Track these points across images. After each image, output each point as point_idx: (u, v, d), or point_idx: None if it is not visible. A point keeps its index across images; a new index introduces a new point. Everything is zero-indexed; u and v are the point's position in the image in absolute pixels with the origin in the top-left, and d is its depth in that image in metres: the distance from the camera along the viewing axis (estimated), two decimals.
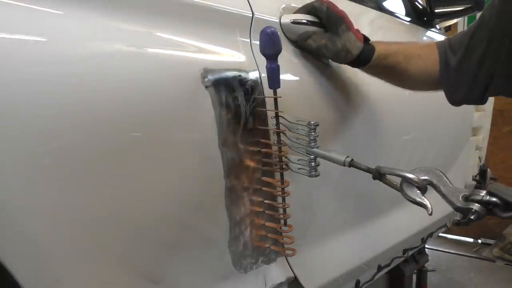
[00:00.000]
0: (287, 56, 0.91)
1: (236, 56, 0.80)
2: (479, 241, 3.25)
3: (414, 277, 2.02)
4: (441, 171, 0.73)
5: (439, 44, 1.05)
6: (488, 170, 2.17)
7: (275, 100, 0.77)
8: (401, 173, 0.72)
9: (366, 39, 0.97)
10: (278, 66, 0.75)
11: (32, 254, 0.53)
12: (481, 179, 2.09)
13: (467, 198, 0.70)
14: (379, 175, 0.74)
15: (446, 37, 1.15)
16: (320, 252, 1.02)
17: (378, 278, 1.34)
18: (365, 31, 0.97)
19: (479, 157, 2.08)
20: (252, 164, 0.79)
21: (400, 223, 1.39)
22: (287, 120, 0.79)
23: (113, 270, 0.63)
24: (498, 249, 2.97)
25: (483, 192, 0.69)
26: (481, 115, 1.99)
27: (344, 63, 0.97)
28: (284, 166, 0.81)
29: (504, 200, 0.67)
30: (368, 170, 0.78)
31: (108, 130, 0.59)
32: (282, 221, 0.83)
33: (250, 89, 0.78)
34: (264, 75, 0.80)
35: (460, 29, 3.33)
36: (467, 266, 2.87)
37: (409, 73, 1.02)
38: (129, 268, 0.65)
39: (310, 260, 0.97)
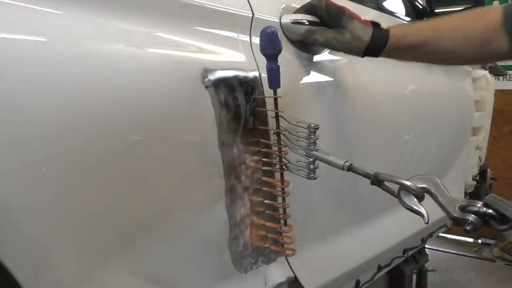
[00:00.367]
0: (287, 56, 0.91)
1: (236, 56, 0.80)
2: (479, 241, 3.25)
3: (414, 277, 2.02)
4: (438, 180, 0.73)
5: (498, 7, 0.96)
6: (488, 170, 2.17)
7: (275, 100, 0.77)
8: (399, 181, 0.73)
9: (376, 25, 0.93)
10: (278, 66, 0.75)
11: (32, 254, 0.53)
12: (481, 179, 2.09)
13: (463, 209, 0.70)
14: (377, 181, 0.75)
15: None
16: (320, 252, 1.02)
17: (378, 278, 1.34)
18: None
19: (479, 157, 2.08)
20: (252, 164, 0.79)
21: (400, 223, 1.39)
22: (287, 121, 0.79)
23: (113, 270, 0.63)
24: (498, 249, 2.97)
25: (480, 204, 0.69)
26: (481, 115, 1.99)
27: (360, 54, 0.93)
28: (284, 166, 0.81)
29: (500, 212, 0.67)
30: (366, 175, 0.78)
31: (107, 130, 0.59)
32: (282, 221, 0.83)
33: (250, 89, 0.78)
34: (264, 75, 0.80)
35: None
36: (467, 266, 2.87)
37: (443, 49, 0.95)
38: (129, 268, 0.65)
39: (310, 260, 0.97)
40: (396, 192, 0.75)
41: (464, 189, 1.93)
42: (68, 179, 0.55)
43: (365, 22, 0.91)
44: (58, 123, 0.54)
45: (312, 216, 0.99)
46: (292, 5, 0.96)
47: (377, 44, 0.91)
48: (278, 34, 0.74)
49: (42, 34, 0.55)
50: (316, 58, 0.99)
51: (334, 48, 0.93)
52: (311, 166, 0.80)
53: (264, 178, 0.81)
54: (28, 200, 0.52)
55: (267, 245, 0.84)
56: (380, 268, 1.32)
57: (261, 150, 0.80)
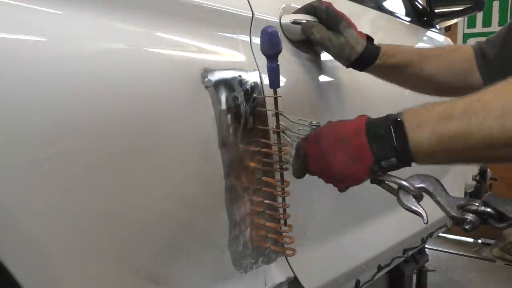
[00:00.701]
0: (287, 56, 0.91)
1: (236, 56, 0.80)
2: (479, 241, 3.25)
3: (414, 277, 2.02)
4: (437, 179, 0.73)
5: (468, 45, 1.00)
6: (488, 170, 2.17)
7: (275, 99, 0.77)
8: (397, 181, 0.72)
9: (369, 39, 0.96)
10: (278, 66, 0.75)
11: (32, 254, 0.53)
12: (481, 179, 2.09)
13: (462, 208, 0.70)
14: (377, 181, 0.75)
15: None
16: (320, 252, 1.02)
17: (378, 278, 1.34)
18: (365, 31, 0.97)
19: None
20: (252, 164, 0.79)
21: (400, 223, 1.39)
22: (288, 119, 0.79)
23: (113, 270, 0.63)
24: (498, 249, 2.97)
25: (478, 202, 0.68)
26: None
27: (348, 64, 0.94)
28: (284, 166, 0.81)
29: (498, 211, 0.67)
30: None
31: (107, 130, 0.59)
32: (282, 221, 0.83)
33: (250, 89, 0.78)
34: (264, 75, 0.80)
35: (460, 29, 3.33)
36: (467, 266, 2.87)
37: (426, 73, 0.98)
38: (129, 268, 0.65)
39: (310, 260, 0.97)
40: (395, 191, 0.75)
41: (464, 189, 1.93)
42: (68, 178, 0.55)
43: (361, 33, 0.92)
44: (58, 123, 0.54)
45: (312, 216, 0.99)
46: (292, 5, 0.96)
47: (368, 57, 0.93)
48: (278, 33, 0.74)
49: (42, 34, 0.55)
50: (316, 58, 0.99)
51: (326, 48, 0.94)
52: None
53: (264, 178, 0.81)
54: (28, 200, 0.52)
55: (267, 245, 0.84)
56: (380, 268, 1.32)
57: (261, 150, 0.80)
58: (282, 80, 0.86)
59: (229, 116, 0.74)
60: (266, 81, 0.80)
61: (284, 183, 0.81)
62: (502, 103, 0.57)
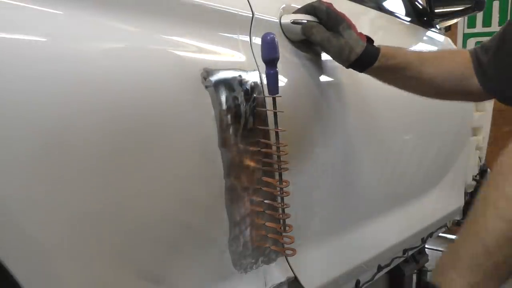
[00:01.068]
0: (287, 56, 0.91)
1: (236, 56, 0.80)
2: None
3: (414, 277, 2.02)
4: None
5: (465, 50, 1.01)
6: (488, 170, 2.17)
7: (274, 99, 0.77)
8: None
9: (369, 40, 0.96)
10: (276, 72, 0.76)
11: (32, 254, 0.53)
12: (481, 179, 2.08)
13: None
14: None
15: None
16: (320, 252, 1.02)
17: (378, 278, 1.34)
18: (365, 31, 0.97)
19: (479, 157, 2.08)
20: (252, 164, 0.79)
21: (400, 223, 1.39)
22: None
23: (113, 270, 0.63)
24: None
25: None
26: (481, 115, 1.99)
27: (347, 65, 0.94)
28: (283, 166, 0.81)
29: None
30: None
31: (107, 129, 0.59)
32: (281, 221, 0.83)
33: (250, 89, 0.78)
34: (264, 75, 0.80)
35: (460, 29, 3.33)
36: None
37: (425, 76, 0.98)
38: (129, 267, 0.65)
39: (310, 260, 0.97)
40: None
41: (464, 189, 1.93)
42: (68, 178, 0.55)
43: (361, 34, 0.93)
44: (58, 123, 0.54)
45: (312, 216, 0.99)
46: (292, 5, 0.96)
47: (368, 59, 0.93)
48: (276, 40, 0.74)
49: (42, 34, 0.55)
50: (316, 58, 0.99)
51: (325, 49, 0.94)
52: None
53: (264, 178, 0.81)
54: (29, 200, 0.52)
55: (267, 245, 0.84)
56: (380, 268, 1.32)
57: (261, 150, 0.80)
58: (283, 80, 0.86)
59: (229, 116, 0.74)
60: (266, 81, 0.80)
61: (284, 183, 0.81)
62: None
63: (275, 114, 0.78)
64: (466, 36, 3.32)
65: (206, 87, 0.71)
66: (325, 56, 1.01)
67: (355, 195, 1.17)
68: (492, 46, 0.97)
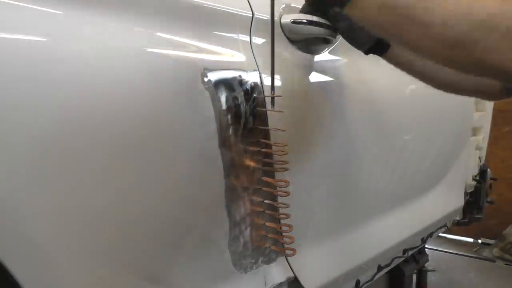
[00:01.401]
0: (288, 57, 0.91)
1: (236, 56, 0.80)
2: (479, 241, 3.25)
3: (414, 277, 2.02)
4: None
5: None
6: (488, 170, 2.17)
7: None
8: None
9: None
10: None
11: (32, 254, 0.53)
12: (481, 179, 2.08)
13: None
14: None
15: None
16: (320, 252, 1.02)
17: (378, 278, 1.34)
18: None
19: (479, 157, 2.08)
20: (252, 164, 0.79)
21: (400, 223, 1.39)
22: None
23: (113, 270, 0.63)
24: (498, 249, 2.97)
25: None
26: (481, 115, 1.99)
27: (366, 49, 0.89)
28: (283, 166, 0.81)
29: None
30: None
31: (107, 129, 0.59)
32: (281, 221, 0.83)
33: (250, 89, 0.78)
34: (264, 75, 0.80)
35: None
36: (467, 266, 2.87)
37: (447, 70, 0.89)
38: (129, 267, 0.65)
39: (310, 260, 0.97)
40: None
41: (464, 189, 1.93)
42: (68, 179, 0.55)
43: None
44: (58, 123, 0.54)
45: (312, 216, 0.99)
46: (292, 5, 0.96)
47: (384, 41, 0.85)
48: None
49: (42, 34, 0.55)
50: (316, 58, 0.99)
51: (348, 38, 0.90)
52: None
53: (264, 178, 0.81)
54: (29, 200, 0.52)
55: (267, 245, 0.84)
56: (380, 268, 1.32)
57: (261, 150, 0.80)
58: (282, 80, 0.86)
59: (229, 116, 0.74)
60: (266, 81, 0.81)
61: (284, 183, 0.81)
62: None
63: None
64: None
65: (206, 87, 0.71)
66: (325, 56, 1.01)
67: (355, 195, 1.17)
68: None
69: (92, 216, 0.59)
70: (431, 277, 2.26)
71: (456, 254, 3.05)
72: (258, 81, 0.80)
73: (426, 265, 2.06)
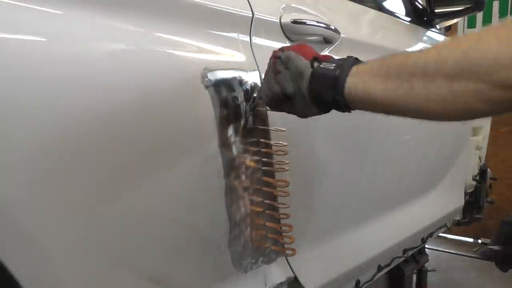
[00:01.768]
0: None
1: (236, 56, 0.80)
2: (479, 241, 3.25)
3: (414, 277, 2.02)
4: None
5: None
6: (488, 170, 2.17)
7: None
8: None
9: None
10: None
11: (32, 254, 0.53)
12: (481, 179, 2.08)
13: None
14: None
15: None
16: (320, 252, 1.02)
17: (378, 278, 1.34)
18: (365, 31, 0.97)
19: (479, 157, 2.08)
20: (252, 164, 0.79)
21: (400, 223, 1.39)
22: None
23: (113, 270, 0.63)
24: None
25: None
26: None
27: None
28: (284, 166, 0.81)
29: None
30: None
31: (107, 129, 0.59)
32: (281, 221, 0.83)
33: (250, 89, 0.78)
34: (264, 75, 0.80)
35: (460, 29, 3.33)
36: (467, 266, 2.87)
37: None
38: (129, 267, 0.65)
39: (310, 260, 0.97)
40: None
41: (464, 189, 1.93)
42: (68, 178, 0.55)
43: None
44: (58, 123, 0.54)
45: (312, 216, 0.99)
46: (292, 5, 0.96)
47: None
48: None
49: (42, 34, 0.55)
50: None
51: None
52: None
53: (264, 178, 0.81)
54: (29, 201, 0.52)
55: (267, 245, 0.84)
56: (380, 268, 1.32)
57: (261, 150, 0.80)
58: None
59: (229, 116, 0.74)
60: None
61: (284, 183, 0.81)
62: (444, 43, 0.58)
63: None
64: None
65: (206, 87, 0.71)
66: None
67: (355, 195, 1.17)
68: None
69: (92, 216, 0.58)
70: (431, 277, 2.26)
71: (456, 254, 3.05)
72: (258, 81, 0.80)
73: (426, 265, 2.06)
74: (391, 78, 0.60)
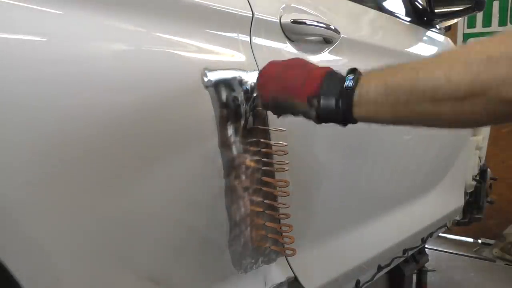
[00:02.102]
0: (287, 56, 0.91)
1: (236, 56, 0.80)
2: (479, 241, 3.25)
3: (414, 277, 2.02)
4: None
5: None
6: (488, 170, 2.17)
7: None
8: None
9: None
10: None
11: (32, 254, 0.53)
12: (481, 179, 2.08)
13: None
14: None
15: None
16: (320, 252, 1.02)
17: (378, 278, 1.34)
18: (365, 31, 0.97)
19: (479, 157, 2.08)
20: (252, 164, 0.79)
21: (400, 223, 1.39)
22: None
23: (113, 270, 0.63)
24: (498, 249, 2.97)
25: None
26: None
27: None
28: (284, 166, 0.81)
29: None
30: None
31: (107, 129, 0.59)
32: (281, 221, 0.83)
33: (250, 89, 0.78)
34: None
35: (460, 29, 3.33)
36: (467, 266, 2.87)
37: None
38: (129, 268, 0.65)
39: (310, 260, 0.97)
40: None
41: (464, 189, 1.93)
42: (68, 179, 0.55)
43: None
44: (58, 123, 0.54)
45: (312, 216, 0.99)
46: (292, 5, 0.96)
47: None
48: None
49: (42, 34, 0.55)
50: (316, 58, 0.99)
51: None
52: None
53: (264, 178, 0.81)
54: (29, 201, 0.52)
55: (267, 245, 0.84)
56: (380, 268, 1.32)
57: (261, 150, 0.80)
58: None
59: (229, 116, 0.74)
60: None
61: (284, 183, 0.81)
62: (450, 58, 0.58)
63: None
64: (466, 36, 3.32)
65: (206, 87, 0.71)
66: (326, 56, 1.01)
67: (355, 195, 1.17)
68: None
69: (92, 216, 0.58)
70: (431, 277, 2.26)
71: (456, 254, 3.05)
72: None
73: (426, 265, 2.06)
74: (400, 105, 0.60)
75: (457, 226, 2.10)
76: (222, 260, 0.77)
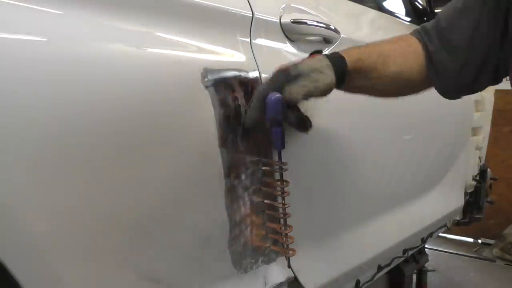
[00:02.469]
0: (288, 56, 0.91)
1: (236, 56, 0.80)
2: (479, 241, 3.25)
3: (414, 277, 2.02)
4: None
5: (415, 32, 0.89)
6: (488, 170, 2.17)
7: None
8: None
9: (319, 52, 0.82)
10: (281, 130, 0.75)
11: (32, 254, 0.53)
12: (481, 179, 2.09)
13: None
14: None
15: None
16: (320, 252, 1.02)
17: (378, 278, 1.34)
18: (365, 31, 0.97)
19: (479, 157, 2.08)
20: (252, 164, 0.79)
21: (400, 223, 1.39)
22: None
23: (113, 270, 0.63)
24: (498, 249, 2.97)
25: None
26: (481, 115, 1.99)
27: (334, 84, 0.78)
28: (283, 166, 0.81)
29: None
30: None
31: (107, 129, 0.59)
32: (282, 221, 0.83)
33: (250, 89, 0.78)
34: (264, 75, 0.80)
35: None
36: (467, 266, 2.87)
37: (389, 74, 0.83)
38: (129, 268, 0.65)
39: (310, 260, 0.97)
40: None
41: (464, 189, 1.93)
42: (68, 179, 0.55)
43: (308, 58, 0.78)
44: (58, 123, 0.54)
45: (312, 216, 0.99)
46: (292, 5, 0.96)
47: (339, 65, 0.78)
48: (282, 102, 0.72)
49: (42, 34, 0.55)
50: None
51: (311, 93, 0.77)
52: None
53: (264, 178, 0.81)
54: (29, 200, 0.52)
55: (267, 245, 0.84)
56: (380, 268, 1.32)
57: (261, 150, 0.80)
58: None
59: (229, 116, 0.74)
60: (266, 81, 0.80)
61: (284, 183, 0.81)
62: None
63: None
64: None
65: (206, 87, 0.71)
66: None
67: (355, 195, 1.17)
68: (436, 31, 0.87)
69: (92, 216, 0.58)
70: (431, 277, 2.26)
71: (456, 254, 3.05)
72: (258, 81, 0.80)
73: (426, 265, 2.06)
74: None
75: (457, 226, 2.10)
76: (222, 260, 0.77)
